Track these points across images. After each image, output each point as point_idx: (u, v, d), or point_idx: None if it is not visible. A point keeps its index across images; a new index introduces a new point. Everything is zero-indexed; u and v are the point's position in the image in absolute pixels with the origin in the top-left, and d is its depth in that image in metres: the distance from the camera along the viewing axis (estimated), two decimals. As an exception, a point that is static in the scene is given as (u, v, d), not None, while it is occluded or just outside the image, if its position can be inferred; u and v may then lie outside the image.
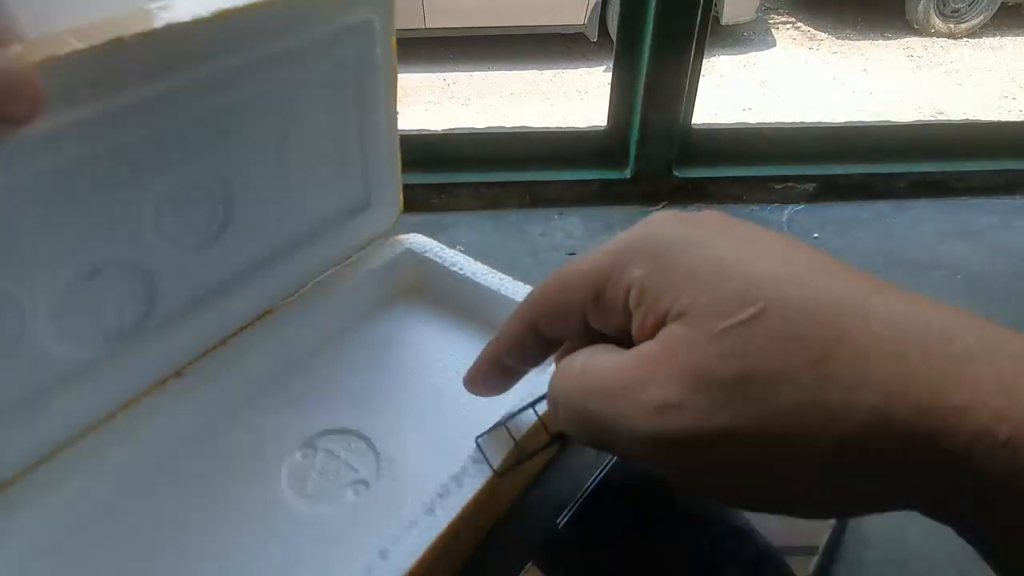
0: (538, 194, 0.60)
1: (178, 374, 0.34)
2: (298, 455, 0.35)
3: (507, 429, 0.29)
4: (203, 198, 0.33)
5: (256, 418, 0.36)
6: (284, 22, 0.30)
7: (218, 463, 0.34)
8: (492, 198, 0.60)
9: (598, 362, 0.20)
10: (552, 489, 0.36)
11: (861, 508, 0.18)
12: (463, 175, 0.60)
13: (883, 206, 0.61)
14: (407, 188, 0.60)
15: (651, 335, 0.19)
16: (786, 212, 0.60)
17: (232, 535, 0.31)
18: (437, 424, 0.36)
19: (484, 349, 0.26)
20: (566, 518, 0.31)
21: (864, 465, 0.16)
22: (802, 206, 0.60)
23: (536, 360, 0.25)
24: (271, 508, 0.32)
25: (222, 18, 0.27)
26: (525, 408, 0.28)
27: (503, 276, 0.41)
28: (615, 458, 0.34)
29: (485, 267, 0.42)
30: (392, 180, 0.42)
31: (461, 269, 0.42)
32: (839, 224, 0.58)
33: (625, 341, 0.21)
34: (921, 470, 0.16)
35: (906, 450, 0.15)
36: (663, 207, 0.60)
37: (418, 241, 0.44)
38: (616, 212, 0.59)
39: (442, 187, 0.59)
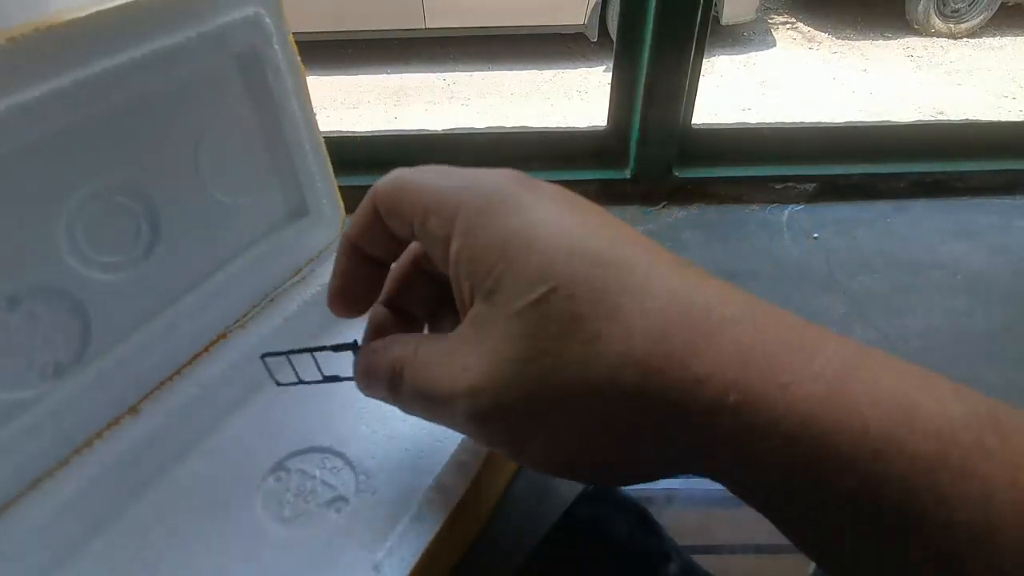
0: (538, 194, 0.60)
1: (133, 410, 0.32)
2: (271, 480, 0.33)
3: (288, 360, 0.30)
4: (122, 215, 0.31)
5: (222, 447, 0.35)
6: (165, 17, 0.30)
7: (186, 498, 0.33)
8: (492, 198, 0.60)
9: (431, 349, 0.22)
10: (532, 489, 0.36)
11: (644, 476, 0.20)
12: (463, 175, 0.60)
13: (883, 206, 0.61)
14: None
15: (469, 301, 0.21)
16: (786, 212, 0.60)
17: (212, 571, 0.30)
18: (411, 431, 0.36)
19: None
20: (545, 538, 0.31)
21: (632, 436, 0.18)
22: (802, 206, 0.60)
23: (387, 251, 0.25)
24: (250, 538, 0.31)
25: (99, 16, 0.27)
26: (304, 350, 0.29)
27: None
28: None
29: None
30: (327, 185, 0.41)
31: None
32: (839, 224, 0.58)
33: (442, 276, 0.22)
34: (678, 439, 0.17)
35: (661, 422, 0.17)
36: (663, 207, 0.60)
37: None
38: (616, 212, 0.59)
39: (442, 187, 0.59)
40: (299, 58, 0.37)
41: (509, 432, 0.19)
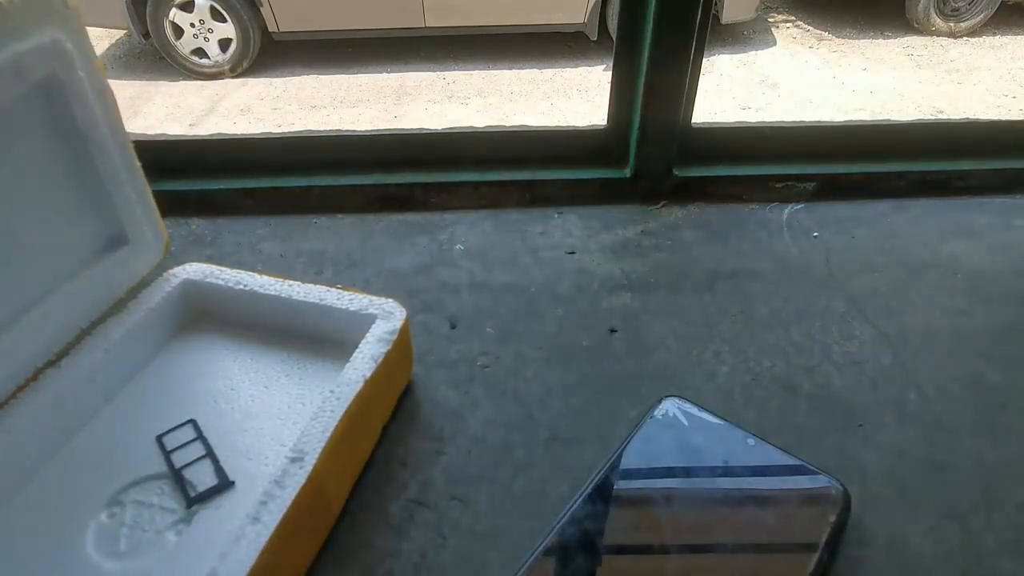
0: (538, 193, 0.60)
1: None
2: (103, 516, 0.32)
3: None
4: None
5: (44, 492, 0.33)
6: None
7: (4, 557, 0.30)
8: (491, 197, 0.60)
9: None
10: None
11: None
12: (463, 174, 0.60)
13: (883, 205, 0.60)
14: (408, 188, 0.60)
15: None
16: (786, 211, 0.60)
17: None
18: (251, 442, 0.35)
19: None
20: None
21: None
22: (802, 205, 0.60)
23: None
24: None
25: None
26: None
27: (292, 283, 0.41)
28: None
29: (271, 278, 0.41)
30: (147, 211, 0.39)
31: (246, 285, 0.41)
32: (839, 223, 0.58)
33: None
34: None
35: None
36: (663, 206, 0.60)
37: (197, 269, 0.42)
38: (616, 211, 0.59)
39: (442, 186, 0.59)
40: (107, 84, 0.35)
41: None
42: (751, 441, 0.36)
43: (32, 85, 0.32)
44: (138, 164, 0.38)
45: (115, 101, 0.36)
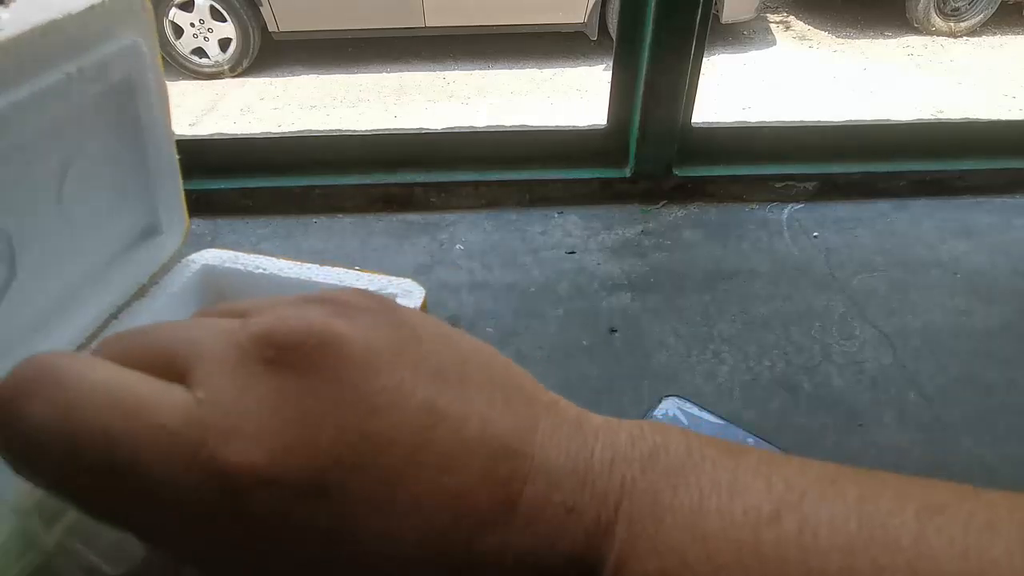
0: (537, 193, 0.60)
1: None
2: None
3: None
4: None
5: None
6: (42, 54, 0.28)
7: None
8: (491, 197, 0.60)
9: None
10: None
11: None
12: (462, 174, 0.60)
13: (883, 205, 0.60)
14: (408, 188, 0.60)
15: None
16: (786, 211, 0.60)
17: None
18: None
19: None
20: None
21: None
22: (802, 204, 0.60)
23: None
24: None
25: None
26: None
27: (310, 265, 0.41)
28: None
29: (289, 262, 0.41)
30: (177, 202, 0.41)
31: (265, 269, 0.41)
32: (839, 223, 0.58)
33: None
34: None
35: None
36: (663, 205, 0.60)
37: (214, 255, 0.43)
38: (615, 211, 0.59)
39: (442, 186, 0.59)
40: (165, 82, 0.37)
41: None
42: (751, 441, 0.36)
43: (110, 86, 0.33)
44: (177, 156, 0.40)
45: (168, 99, 0.37)
